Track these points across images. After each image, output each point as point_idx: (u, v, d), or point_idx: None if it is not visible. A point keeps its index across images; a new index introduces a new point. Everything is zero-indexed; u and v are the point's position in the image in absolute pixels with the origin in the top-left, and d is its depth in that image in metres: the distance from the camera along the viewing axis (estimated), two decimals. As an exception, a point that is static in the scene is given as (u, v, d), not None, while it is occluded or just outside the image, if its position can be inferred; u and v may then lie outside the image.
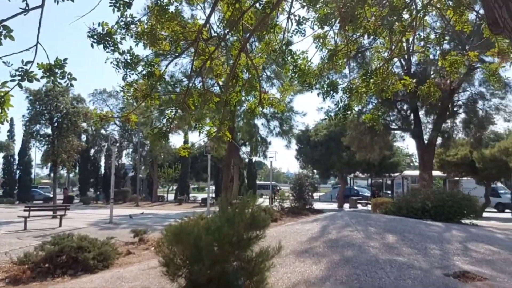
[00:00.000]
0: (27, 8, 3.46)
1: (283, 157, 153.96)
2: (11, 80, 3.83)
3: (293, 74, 6.64)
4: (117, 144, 41.87)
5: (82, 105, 30.62)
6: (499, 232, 10.83)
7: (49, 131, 28.82)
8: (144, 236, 12.68)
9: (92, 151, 49.51)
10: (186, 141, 48.61)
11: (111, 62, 5.77)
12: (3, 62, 3.59)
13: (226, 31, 6.28)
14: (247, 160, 49.38)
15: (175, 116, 6.58)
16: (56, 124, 28.31)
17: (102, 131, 47.79)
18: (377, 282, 5.65)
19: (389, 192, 40.73)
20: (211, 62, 6.22)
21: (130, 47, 5.58)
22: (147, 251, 10.99)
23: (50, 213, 21.02)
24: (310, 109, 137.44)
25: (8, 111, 3.83)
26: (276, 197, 24.96)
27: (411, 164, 53.31)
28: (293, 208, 22.32)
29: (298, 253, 7.51)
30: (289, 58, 6.61)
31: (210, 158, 26.24)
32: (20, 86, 3.72)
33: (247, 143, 36.73)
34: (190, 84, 6.57)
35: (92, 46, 4.72)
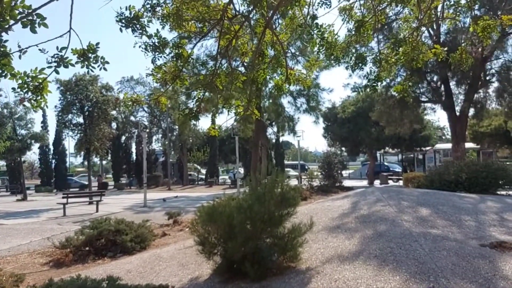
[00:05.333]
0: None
1: (310, 136, 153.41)
2: (48, 67, 3.99)
3: (320, 48, 6.52)
4: (147, 130, 42.72)
5: (110, 93, 31.14)
6: (537, 202, 10.49)
7: (81, 120, 29.54)
8: (178, 218, 13.02)
9: (123, 138, 50.59)
10: (213, 123, 49.05)
11: (140, 46, 5.85)
12: (39, 49, 3.73)
13: (250, 8, 6.22)
14: (274, 140, 49.44)
15: (203, 97, 6.65)
16: (87, 113, 28.95)
17: (132, 118, 48.81)
18: (411, 254, 5.61)
19: (421, 167, 39.97)
20: (236, 40, 6.19)
21: (157, 30, 5.63)
22: (182, 232, 11.28)
23: (87, 199, 21.77)
24: (336, 86, 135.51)
25: (47, 96, 3.98)
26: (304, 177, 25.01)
27: (443, 137, 52.07)
28: (323, 186, 22.30)
29: (330, 229, 7.54)
30: (315, 31, 6.48)
31: (237, 140, 26.43)
32: (57, 72, 3.87)
33: (273, 123, 36.68)
34: (217, 64, 6.58)
35: (121, 30, 4.79)
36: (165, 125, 47.52)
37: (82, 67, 4.18)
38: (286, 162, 58.24)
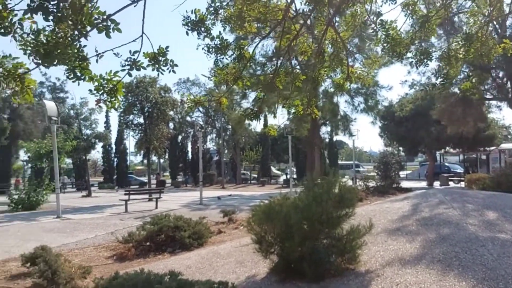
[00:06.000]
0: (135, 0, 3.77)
1: (365, 136, 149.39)
2: (121, 70, 4.33)
3: (385, 45, 6.35)
4: (202, 130, 43.77)
5: (168, 94, 32.29)
6: None
7: (141, 120, 30.89)
8: (232, 216, 13.18)
9: (180, 137, 52.13)
10: (266, 123, 49.32)
11: (203, 48, 6.03)
12: (114, 53, 3.98)
13: (312, 7, 6.20)
14: (327, 140, 48.84)
15: (264, 97, 6.73)
16: (147, 113, 30.21)
17: (188, 118, 50.22)
18: (478, 260, 5.32)
19: (484, 168, 37.68)
20: (296, 40, 6.18)
21: (220, 32, 5.81)
22: (237, 230, 11.41)
23: (147, 196, 22.62)
24: (393, 83, 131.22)
25: (120, 98, 4.22)
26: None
27: (509, 136, 48.77)
28: (379, 187, 21.70)
29: (389, 232, 7.32)
30: (380, 28, 6.30)
31: (290, 139, 26.35)
32: (130, 75, 4.11)
33: (327, 122, 36.22)
34: (278, 64, 6.61)
35: (187, 33, 4.99)
36: (219, 125, 48.43)
37: (153, 70, 4.39)
38: (340, 162, 57.24)
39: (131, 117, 30.78)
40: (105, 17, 3.51)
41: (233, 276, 6.14)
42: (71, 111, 32.00)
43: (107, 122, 47.96)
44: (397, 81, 31.87)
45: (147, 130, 29.93)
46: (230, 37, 18.86)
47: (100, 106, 4.39)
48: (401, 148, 39.02)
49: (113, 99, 4.20)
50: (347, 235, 5.80)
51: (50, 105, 17.25)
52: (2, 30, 3.25)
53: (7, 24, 3.23)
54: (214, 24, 5.72)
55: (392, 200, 11.85)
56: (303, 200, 5.95)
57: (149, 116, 30.01)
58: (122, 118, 31.20)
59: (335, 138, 51.44)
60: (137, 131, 31.04)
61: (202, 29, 5.33)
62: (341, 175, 6.28)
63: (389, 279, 5.08)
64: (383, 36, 6.33)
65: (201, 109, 48.50)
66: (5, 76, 3.55)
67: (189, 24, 5.24)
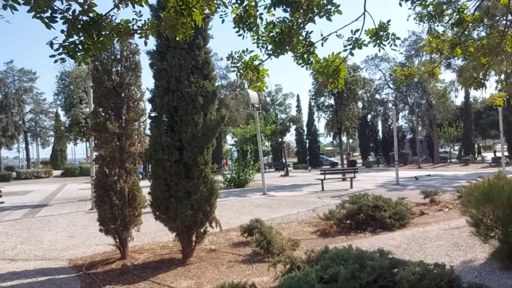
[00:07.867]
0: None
1: None
2: (343, 51, 4.46)
3: None
4: (394, 107, 42.03)
5: (357, 73, 31.99)
6: None
7: (331, 101, 31.48)
8: (435, 197, 12.42)
9: (369, 116, 51.16)
10: (467, 96, 44.15)
11: (414, 18, 5.77)
12: (336, 35, 4.17)
13: None
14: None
15: (490, 63, 6.00)
16: (337, 94, 30.66)
17: (377, 96, 48.86)
18: None
19: None
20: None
21: None
22: (441, 213, 10.71)
23: (340, 176, 23.07)
24: None
25: (343, 79, 4.43)
26: None
27: None
28: None
29: None
30: None
31: (501, 111, 22.85)
32: (352, 54, 4.23)
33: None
34: (506, 25, 5.78)
35: (400, 4, 4.84)
36: (412, 101, 45.58)
37: (374, 46, 4.39)
38: None
39: (321, 99, 31.65)
40: (325, 1, 3.66)
41: (446, 259, 5.78)
42: (267, 98, 34.80)
43: (298, 106, 50.44)
44: None
45: (338, 110, 30.31)
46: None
47: (325, 87, 4.62)
48: None
49: (336, 80, 4.38)
50: None
51: (253, 94, 19.09)
52: (248, 26, 3.76)
53: (252, 20, 3.73)
54: (429, -11, 5.37)
55: None
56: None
57: (339, 97, 30.31)
58: (313, 100, 32.38)
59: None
60: (328, 113, 31.77)
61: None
62: None
63: None
64: None
65: (391, 85, 46.55)
66: (244, 68, 4.13)
67: (404, -6, 5.02)
